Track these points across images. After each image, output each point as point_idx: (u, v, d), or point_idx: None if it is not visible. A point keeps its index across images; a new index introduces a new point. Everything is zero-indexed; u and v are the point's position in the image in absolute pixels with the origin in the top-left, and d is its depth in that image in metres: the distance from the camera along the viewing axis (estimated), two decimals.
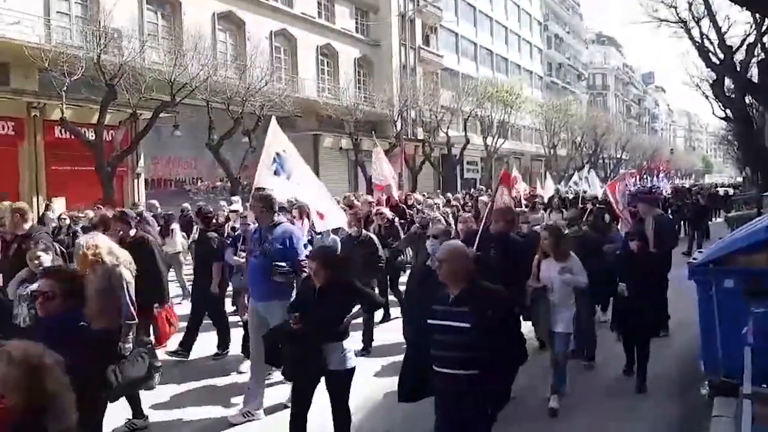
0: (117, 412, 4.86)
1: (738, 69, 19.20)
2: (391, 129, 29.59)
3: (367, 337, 7.34)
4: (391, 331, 7.50)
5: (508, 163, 35.07)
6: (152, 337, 5.82)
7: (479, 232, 5.34)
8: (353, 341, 7.05)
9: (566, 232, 6.87)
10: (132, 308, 4.71)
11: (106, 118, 15.73)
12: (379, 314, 8.49)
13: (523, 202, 12.85)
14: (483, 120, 36.15)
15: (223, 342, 7.22)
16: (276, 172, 6.96)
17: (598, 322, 7.37)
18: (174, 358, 6.88)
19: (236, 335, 7.07)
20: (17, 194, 15.98)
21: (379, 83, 31.45)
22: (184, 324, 7.09)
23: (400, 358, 3.99)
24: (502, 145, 38.45)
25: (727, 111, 24.11)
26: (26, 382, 1.88)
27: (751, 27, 19.15)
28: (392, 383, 4.09)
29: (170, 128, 20.01)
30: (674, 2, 20.52)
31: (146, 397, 5.30)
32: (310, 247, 8.69)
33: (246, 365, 6.21)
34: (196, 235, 9.01)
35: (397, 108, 29.26)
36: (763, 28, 18.14)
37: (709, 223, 18.79)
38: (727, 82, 20.93)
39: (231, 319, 7.61)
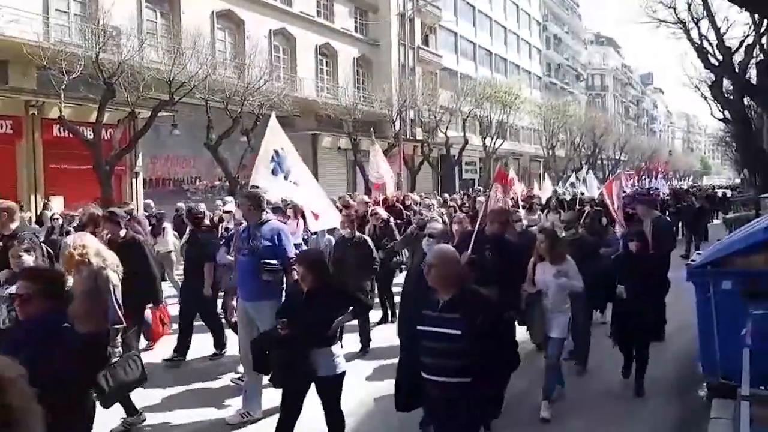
0: (111, 413, 4.83)
1: (737, 70, 19.18)
2: (389, 129, 29.58)
3: (364, 338, 7.33)
4: (387, 333, 7.46)
5: (506, 163, 35.08)
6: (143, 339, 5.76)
7: (474, 234, 5.31)
8: (351, 343, 7.12)
9: (563, 234, 6.86)
10: (119, 312, 4.61)
11: (105, 117, 15.68)
12: (377, 315, 8.49)
13: (521, 203, 12.83)
14: (482, 120, 36.16)
15: (219, 342, 7.19)
16: (273, 171, 6.93)
17: (596, 323, 7.36)
18: (171, 364, 6.83)
19: (234, 335, 7.02)
20: (15, 193, 15.95)
21: (378, 83, 31.44)
22: (176, 325, 7.05)
23: (396, 360, 3.94)
24: (501, 146, 38.46)
25: (726, 112, 24.12)
26: None
27: (750, 28, 19.17)
28: (388, 386, 4.05)
29: (169, 127, 19.99)
30: (673, 3, 20.53)
31: (143, 399, 5.27)
32: (305, 246, 8.73)
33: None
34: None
35: (395, 108, 29.25)
36: (762, 29, 18.13)
37: (708, 224, 18.80)
38: (726, 83, 20.91)
39: None
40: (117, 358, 3.92)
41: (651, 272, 5.83)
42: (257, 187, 6.39)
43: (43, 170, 17.55)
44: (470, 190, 26.11)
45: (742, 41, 19.76)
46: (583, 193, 19.10)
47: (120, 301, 4.64)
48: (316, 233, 8.45)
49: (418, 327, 3.36)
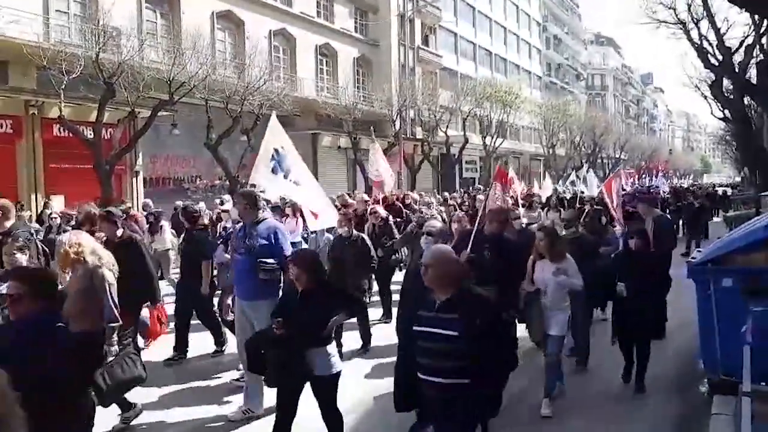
0: (111, 412, 4.83)
1: (737, 70, 19.18)
2: (389, 128, 29.58)
3: (365, 336, 7.32)
4: (387, 331, 7.45)
5: (506, 162, 35.08)
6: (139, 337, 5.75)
7: (473, 233, 5.30)
8: (351, 341, 7.12)
9: (563, 233, 6.85)
10: (115, 310, 4.58)
11: (105, 117, 15.69)
12: (377, 314, 8.48)
13: (520, 201, 12.83)
14: (482, 120, 36.16)
15: (219, 340, 7.17)
16: (273, 170, 6.93)
17: (597, 320, 7.35)
18: (172, 363, 6.82)
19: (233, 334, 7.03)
20: (15, 192, 15.99)
21: (378, 83, 31.45)
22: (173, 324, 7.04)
23: (395, 359, 3.93)
24: (501, 145, 38.45)
25: (726, 112, 24.13)
26: None
27: (749, 28, 19.17)
28: (387, 385, 4.04)
29: (169, 127, 20.01)
30: (673, 3, 20.53)
31: (143, 397, 5.26)
32: (305, 245, 8.73)
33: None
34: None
35: (395, 107, 29.25)
36: (762, 29, 18.13)
37: (708, 222, 18.81)
38: (726, 83, 20.92)
39: None
40: (113, 356, 3.91)
41: (651, 270, 5.80)
42: (254, 186, 6.39)
43: (43, 170, 17.59)
44: (470, 188, 26.13)
45: (742, 41, 19.77)
46: (583, 192, 19.11)
47: (116, 300, 4.62)
48: (315, 232, 8.45)
49: (414, 327, 3.31)
